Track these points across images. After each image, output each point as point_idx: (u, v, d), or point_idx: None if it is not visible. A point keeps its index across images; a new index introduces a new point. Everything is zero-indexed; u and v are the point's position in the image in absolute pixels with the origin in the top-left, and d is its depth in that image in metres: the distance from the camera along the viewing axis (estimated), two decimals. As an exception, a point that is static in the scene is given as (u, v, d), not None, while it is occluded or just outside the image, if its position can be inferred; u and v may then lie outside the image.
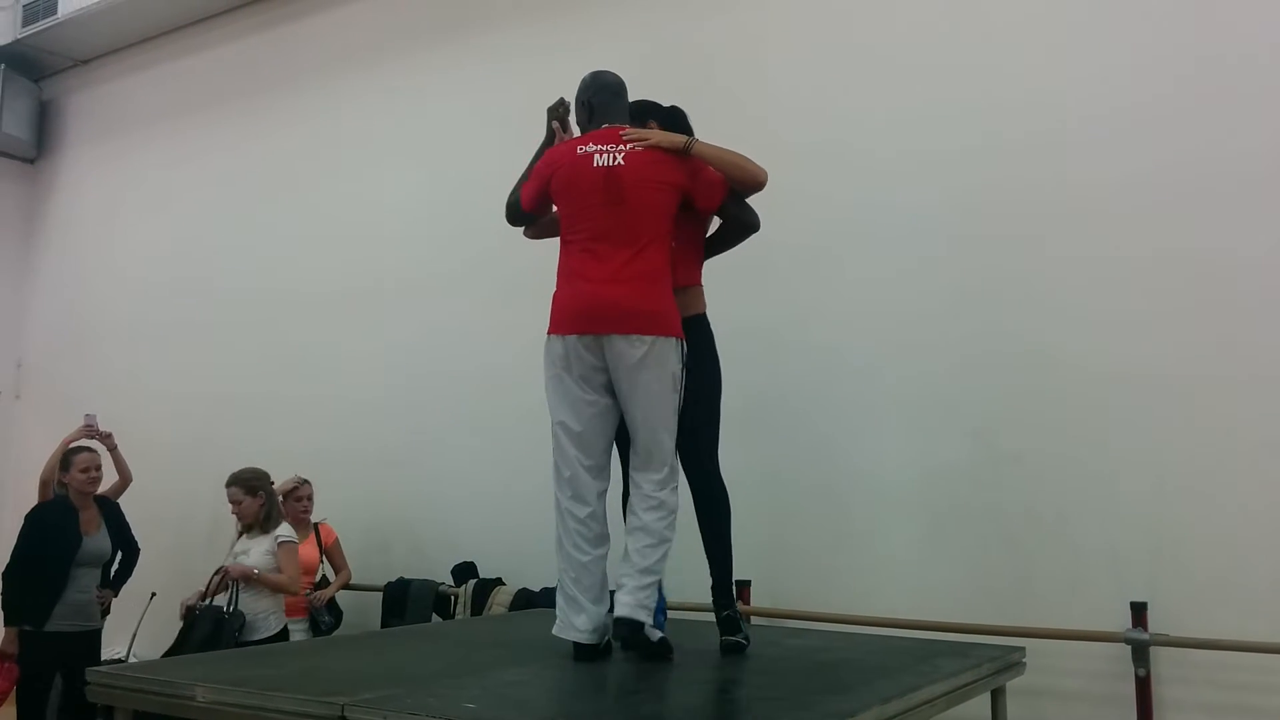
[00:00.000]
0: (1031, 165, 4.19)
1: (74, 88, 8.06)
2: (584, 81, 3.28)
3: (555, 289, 3.09)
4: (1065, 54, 4.19)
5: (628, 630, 2.88)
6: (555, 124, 3.35)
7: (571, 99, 3.30)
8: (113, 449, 5.46)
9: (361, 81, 6.32)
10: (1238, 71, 3.87)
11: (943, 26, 4.48)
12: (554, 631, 3.01)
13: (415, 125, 6.04)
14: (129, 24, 7.35)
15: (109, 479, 5.49)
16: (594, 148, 3.09)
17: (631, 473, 3.07)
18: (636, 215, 3.03)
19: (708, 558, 3.21)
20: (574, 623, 2.96)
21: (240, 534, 5.04)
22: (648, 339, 2.96)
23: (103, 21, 7.28)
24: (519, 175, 3.34)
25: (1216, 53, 3.91)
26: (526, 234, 3.44)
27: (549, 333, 3.06)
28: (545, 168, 3.19)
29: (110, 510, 5.05)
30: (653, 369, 2.97)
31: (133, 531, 5.18)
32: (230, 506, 5.02)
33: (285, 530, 4.97)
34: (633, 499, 3.05)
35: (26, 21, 7.46)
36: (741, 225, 3.33)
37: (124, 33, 7.49)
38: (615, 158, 3.05)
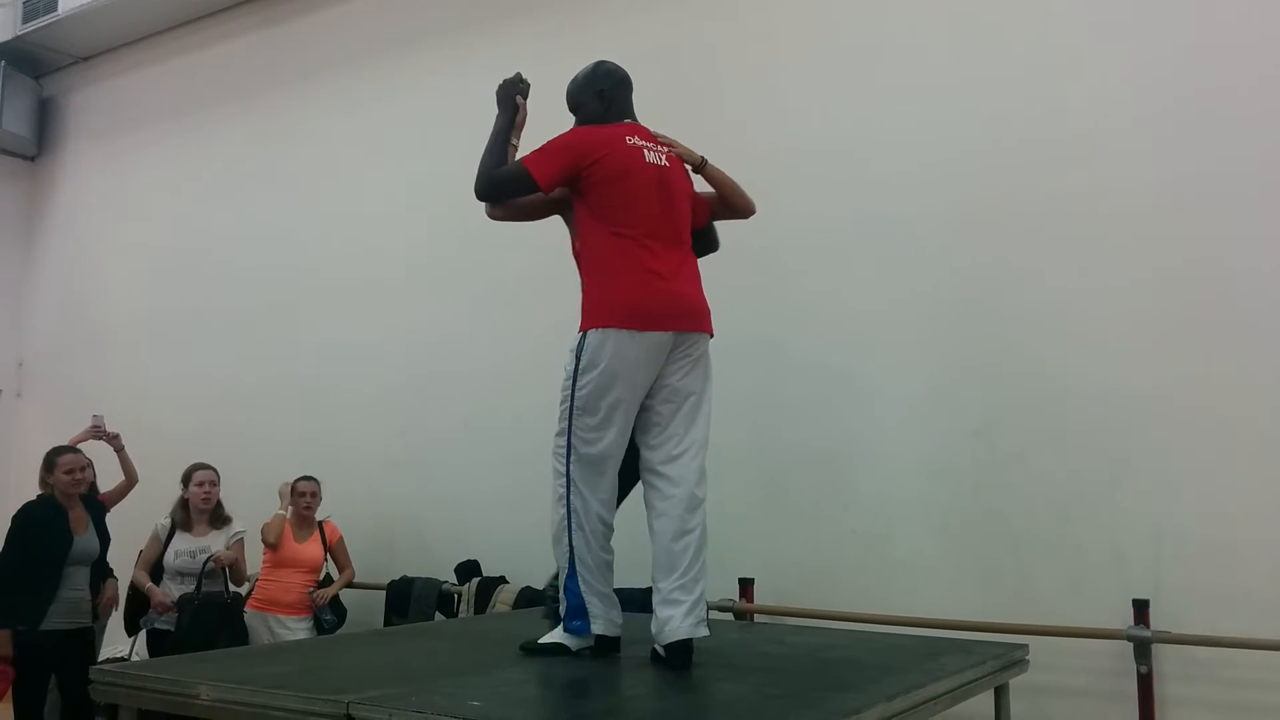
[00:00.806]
0: (1033, 170, 4.19)
1: (74, 85, 8.06)
2: (592, 72, 3.20)
3: (610, 281, 2.92)
4: (1067, 64, 4.19)
5: (688, 653, 2.85)
6: (520, 99, 3.20)
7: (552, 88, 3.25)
8: (120, 449, 5.45)
9: (364, 78, 6.32)
10: (1238, 83, 3.87)
11: (942, 36, 4.47)
12: (594, 630, 2.96)
13: (418, 122, 6.03)
14: (129, 21, 7.34)
15: (114, 479, 5.48)
16: (639, 142, 3.04)
17: (670, 477, 2.96)
18: (682, 219, 3.07)
19: None
20: (611, 617, 2.98)
21: (174, 526, 5.13)
22: (708, 339, 3.05)
23: (103, 18, 7.28)
24: (490, 150, 3.11)
25: (1218, 63, 3.91)
26: (495, 213, 3.17)
27: (618, 327, 2.85)
28: (585, 149, 2.98)
29: (95, 509, 5.06)
30: (710, 368, 3.06)
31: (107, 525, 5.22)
32: (198, 490, 5.15)
33: (239, 525, 5.24)
34: (666, 503, 2.94)
35: (27, 18, 7.46)
36: (710, 244, 3.35)
37: (124, 30, 7.48)
38: (661, 157, 3.06)
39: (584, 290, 3.00)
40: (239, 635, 4.93)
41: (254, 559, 5.41)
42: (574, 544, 2.92)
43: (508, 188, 3.05)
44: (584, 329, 2.92)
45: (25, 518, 4.81)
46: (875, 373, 4.43)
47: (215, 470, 5.26)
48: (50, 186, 8.08)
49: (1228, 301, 3.80)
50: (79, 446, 5.22)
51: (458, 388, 5.59)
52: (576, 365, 2.90)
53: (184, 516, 5.18)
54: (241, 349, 6.54)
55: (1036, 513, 4.03)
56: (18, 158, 8.10)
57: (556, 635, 2.99)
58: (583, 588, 2.92)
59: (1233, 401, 3.75)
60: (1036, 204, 4.17)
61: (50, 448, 5.06)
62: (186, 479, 5.24)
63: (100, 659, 5.08)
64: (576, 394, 2.90)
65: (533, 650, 2.98)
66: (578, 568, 2.92)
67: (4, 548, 4.78)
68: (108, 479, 5.47)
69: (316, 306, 6.24)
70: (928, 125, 4.43)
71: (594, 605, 2.95)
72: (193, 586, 4.99)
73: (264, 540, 5.18)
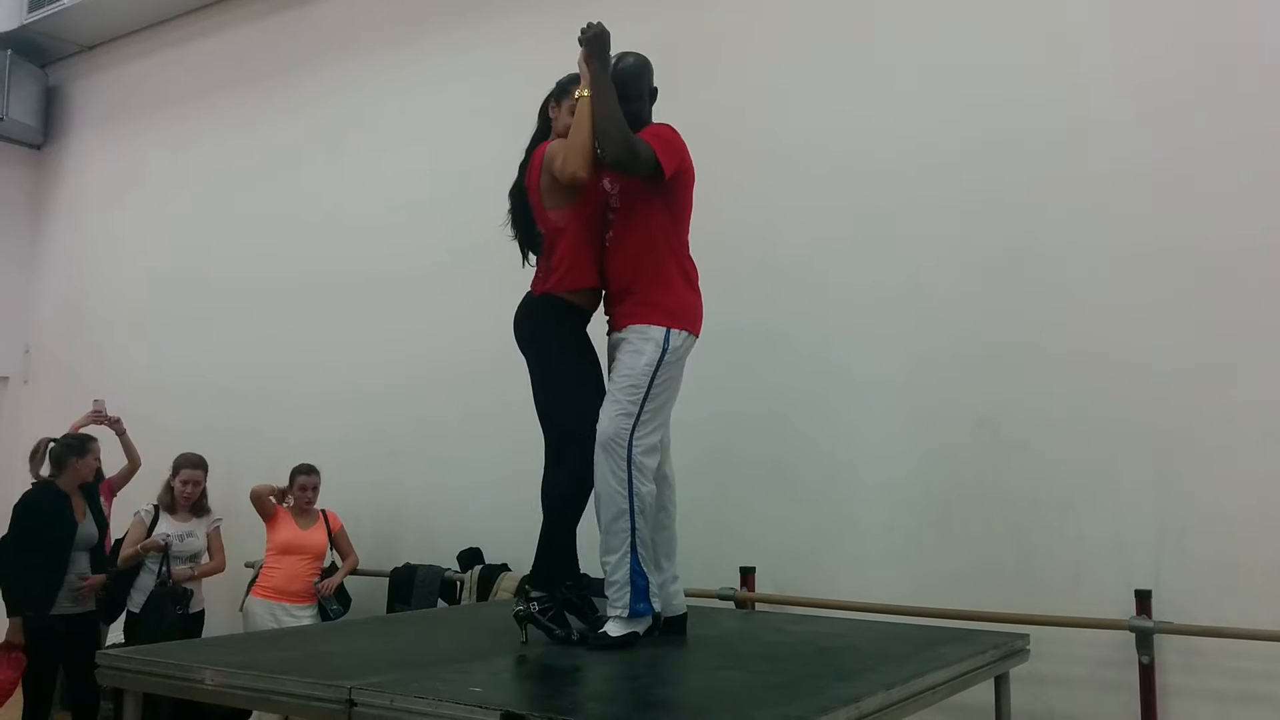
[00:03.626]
0: (1031, 157, 4.18)
1: (80, 73, 8.07)
2: (644, 66, 3.14)
3: (686, 290, 3.06)
4: (1065, 45, 4.18)
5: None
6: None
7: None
8: (121, 434, 5.49)
9: (366, 67, 6.32)
10: (1237, 61, 3.85)
11: (941, 20, 4.46)
12: (657, 609, 3.02)
13: (420, 112, 6.04)
14: (134, 9, 7.36)
15: (119, 464, 5.52)
16: None
17: (665, 469, 3.16)
18: None
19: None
20: (655, 590, 3.04)
21: (159, 510, 5.21)
22: None
23: (108, 6, 7.29)
24: (617, 113, 2.91)
25: (1217, 41, 3.89)
26: (584, 177, 2.96)
27: (690, 331, 3.04)
28: (686, 153, 3.05)
29: (92, 495, 5.12)
30: None
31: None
32: (182, 488, 5.22)
33: (217, 513, 5.39)
34: (669, 492, 3.19)
35: (32, 7, 7.48)
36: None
37: (129, 18, 7.50)
38: None
39: (655, 288, 3.02)
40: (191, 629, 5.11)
41: (253, 547, 5.44)
42: (636, 526, 2.95)
43: (640, 167, 2.95)
44: (665, 325, 2.99)
45: (32, 505, 4.85)
46: (876, 362, 4.42)
47: (203, 469, 5.31)
48: (56, 175, 8.10)
49: (1230, 289, 3.79)
50: (125, 430, 5.32)
51: (458, 377, 5.60)
52: (660, 358, 2.97)
53: (170, 501, 5.25)
54: (247, 336, 6.55)
55: (1038, 502, 4.03)
56: (24, 146, 8.11)
57: (620, 626, 2.92)
58: (644, 567, 2.97)
59: (1236, 391, 3.75)
60: (1037, 195, 4.16)
61: (63, 436, 5.12)
62: (176, 470, 5.28)
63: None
64: (655, 385, 2.97)
65: (606, 646, 2.88)
66: (638, 549, 2.95)
67: (10, 535, 4.82)
68: (109, 465, 5.51)
69: (321, 294, 6.25)
70: (925, 113, 4.42)
71: (649, 578, 2.98)
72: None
73: (255, 498, 5.20)
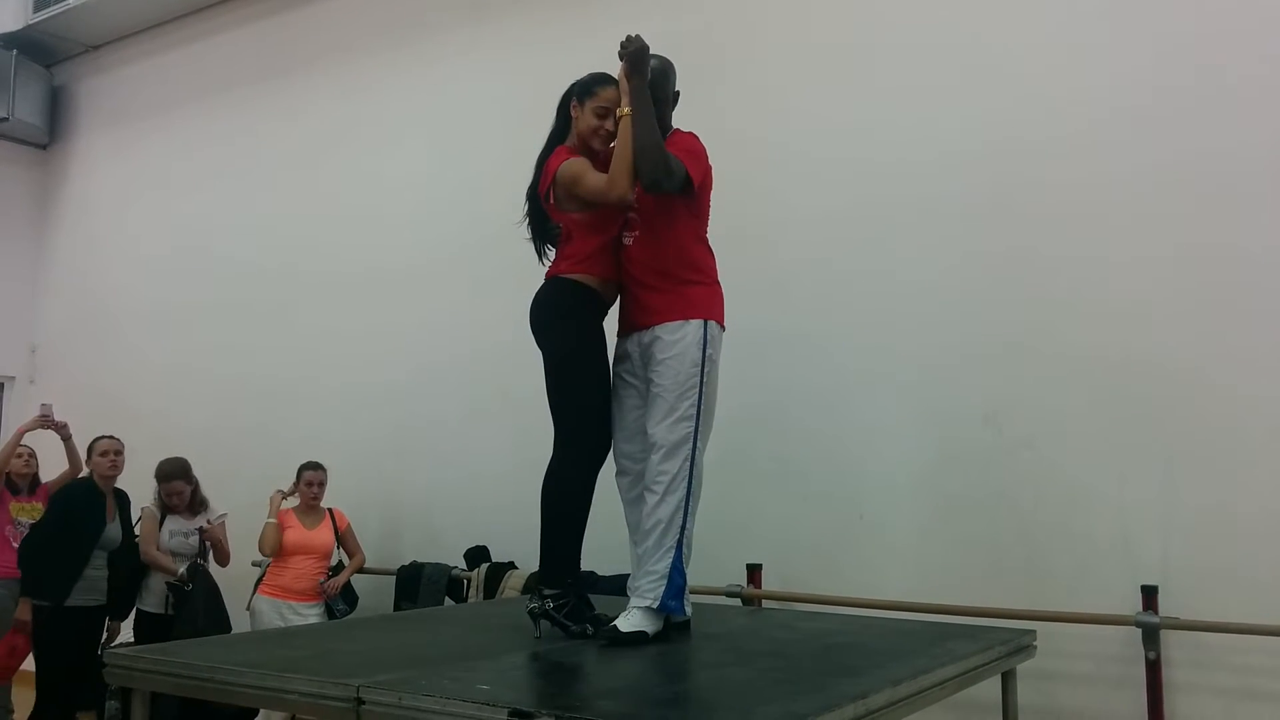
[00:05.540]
0: (1038, 163, 4.18)
1: (85, 73, 8.09)
2: (669, 68, 3.12)
3: (715, 286, 3.08)
4: (1072, 55, 4.18)
5: None
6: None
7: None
8: (67, 439, 5.47)
9: (372, 66, 6.32)
10: (1239, 71, 3.86)
11: (950, 30, 4.46)
12: (688, 613, 3.03)
13: (426, 111, 6.05)
14: (139, 9, 7.37)
15: (60, 467, 5.52)
16: None
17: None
18: None
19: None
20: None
21: (162, 516, 5.22)
22: None
23: (113, 6, 7.31)
24: (656, 133, 2.92)
25: (1218, 52, 3.90)
26: (627, 199, 2.95)
27: (721, 325, 3.05)
28: (707, 159, 3.06)
29: (123, 501, 5.18)
30: None
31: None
32: (173, 498, 5.22)
33: (221, 507, 5.43)
34: None
35: (38, 7, 7.50)
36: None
37: (134, 18, 7.51)
38: None
39: (684, 284, 3.01)
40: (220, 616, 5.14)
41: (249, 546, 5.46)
42: (686, 527, 2.94)
43: (674, 185, 2.95)
44: (701, 318, 2.98)
45: (69, 498, 4.99)
46: (882, 359, 4.42)
47: (184, 477, 5.26)
48: (61, 175, 8.12)
49: (1236, 285, 3.79)
50: (70, 435, 5.34)
51: (463, 375, 5.61)
52: (704, 355, 2.96)
53: (164, 505, 5.26)
54: (251, 336, 6.57)
55: (1045, 498, 4.03)
56: (29, 146, 8.14)
57: (633, 621, 2.90)
58: (685, 567, 2.96)
59: (1242, 386, 3.74)
60: (1043, 200, 4.16)
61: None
62: (158, 482, 5.26)
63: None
64: (706, 384, 2.97)
65: (618, 640, 2.85)
66: (684, 550, 2.95)
67: (43, 524, 5.00)
68: (52, 468, 5.57)
69: (326, 293, 6.27)
70: (931, 116, 4.43)
71: (686, 582, 2.98)
72: (185, 566, 5.13)
73: (262, 552, 5.23)
